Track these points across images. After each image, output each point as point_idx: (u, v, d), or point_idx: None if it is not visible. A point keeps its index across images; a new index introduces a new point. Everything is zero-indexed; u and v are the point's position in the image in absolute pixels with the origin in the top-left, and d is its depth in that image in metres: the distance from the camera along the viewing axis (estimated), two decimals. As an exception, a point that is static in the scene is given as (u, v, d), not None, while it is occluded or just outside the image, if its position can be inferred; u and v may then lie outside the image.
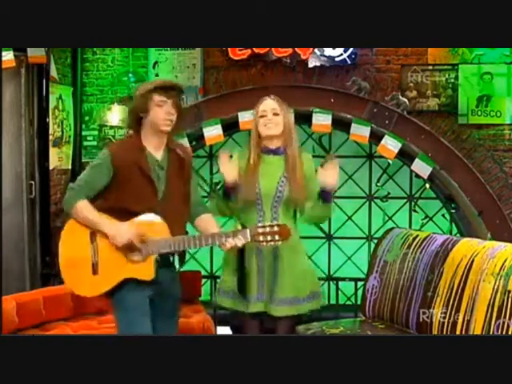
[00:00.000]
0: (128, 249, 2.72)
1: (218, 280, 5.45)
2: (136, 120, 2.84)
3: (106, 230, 2.72)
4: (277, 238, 2.74)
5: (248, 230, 2.75)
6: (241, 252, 2.96)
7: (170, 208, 2.78)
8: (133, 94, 2.94)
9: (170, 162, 2.86)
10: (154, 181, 2.79)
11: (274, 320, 3.14)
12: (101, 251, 2.76)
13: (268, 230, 2.74)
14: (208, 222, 2.93)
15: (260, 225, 2.79)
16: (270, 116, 3.15)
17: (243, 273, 3.03)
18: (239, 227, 2.82)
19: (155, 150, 2.85)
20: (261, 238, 2.73)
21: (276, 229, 2.74)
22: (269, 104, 3.18)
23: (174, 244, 2.72)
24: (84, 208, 2.76)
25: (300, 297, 3.15)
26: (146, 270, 2.73)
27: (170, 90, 2.82)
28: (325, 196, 3.06)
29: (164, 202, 2.80)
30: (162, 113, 2.78)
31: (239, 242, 2.74)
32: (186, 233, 2.89)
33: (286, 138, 3.18)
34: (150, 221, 2.75)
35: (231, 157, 3.13)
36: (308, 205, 3.16)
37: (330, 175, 3.01)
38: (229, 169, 3.04)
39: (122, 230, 2.70)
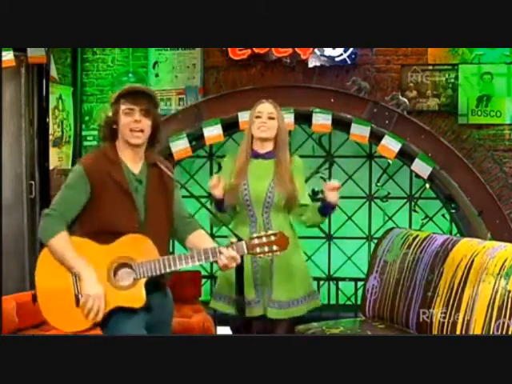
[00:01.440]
0: (113, 273, 2.49)
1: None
2: (110, 131, 2.59)
3: (86, 285, 2.44)
4: (274, 248, 2.56)
5: (244, 243, 2.55)
6: (240, 268, 2.79)
7: (151, 225, 2.54)
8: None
9: (149, 177, 2.59)
10: (132, 195, 2.53)
11: (271, 322, 3.15)
12: None
13: (265, 240, 2.56)
14: (201, 239, 2.68)
15: (255, 235, 2.61)
16: (264, 119, 3.18)
17: (241, 276, 3.00)
18: (233, 240, 2.60)
19: (131, 162, 2.58)
20: (257, 250, 2.55)
21: (273, 238, 2.56)
22: (266, 107, 3.21)
23: (165, 265, 2.48)
24: (60, 242, 2.48)
25: (297, 298, 3.16)
26: (135, 296, 2.46)
27: (139, 96, 2.53)
28: (325, 211, 3.13)
29: (145, 218, 2.55)
30: (127, 122, 2.51)
31: (234, 255, 2.51)
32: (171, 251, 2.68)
33: (278, 142, 3.19)
34: (133, 238, 2.50)
35: (220, 168, 3.15)
36: (299, 211, 3.18)
37: (334, 194, 3.07)
38: (217, 186, 3.04)
39: (99, 295, 2.43)
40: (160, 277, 2.54)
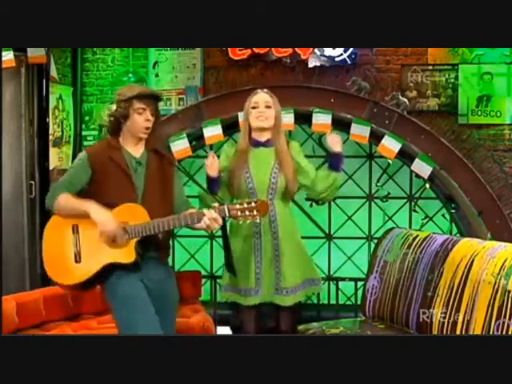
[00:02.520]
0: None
1: (218, 280, 5.49)
2: (116, 125, 2.91)
3: (94, 216, 2.75)
4: (255, 212, 2.76)
5: (225, 206, 2.79)
6: (224, 230, 3.00)
7: (150, 204, 2.82)
8: (113, 98, 2.97)
9: (149, 160, 2.92)
10: (131, 175, 2.85)
11: (277, 310, 3.19)
12: (83, 240, 2.82)
13: (246, 205, 2.77)
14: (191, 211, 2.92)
15: (239, 201, 2.83)
16: (262, 108, 3.20)
17: (229, 252, 3.08)
18: (215, 204, 2.82)
19: (133, 149, 2.92)
20: (238, 214, 2.76)
21: (253, 204, 2.77)
22: (262, 97, 3.24)
23: (154, 226, 2.75)
24: (67, 198, 2.82)
25: (299, 283, 3.21)
26: (126, 254, 2.77)
27: (149, 97, 2.89)
28: (334, 161, 3.23)
29: (144, 198, 2.85)
30: (141, 120, 2.86)
31: (216, 216, 2.75)
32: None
33: (275, 130, 3.23)
34: (129, 206, 2.80)
35: (218, 157, 3.24)
36: (313, 184, 3.23)
37: (334, 141, 3.24)
38: (212, 165, 3.13)
39: (110, 219, 2.74)
40: (156, 249, 2.86)
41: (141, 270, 2.82)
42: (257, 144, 3.24)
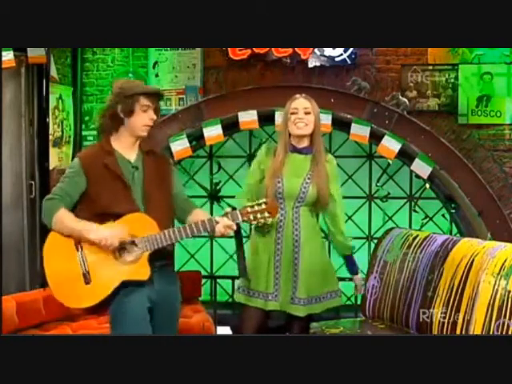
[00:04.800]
0: (118, 251, 2.64)
1: (218, 280, 5.48)
2: (112, 124, 2.76)
3: (93, 236, 2.61)
4: (266, 214, 2.72)
5: (237, 211, 2.72)
6: (239, 235, 2.94)
7: (153, 211, 2.70)
8: (113, 91, 2.82)
9: (145, 163, 2.79)
10: (128, 183, 2.71)
11: (290, 319, 3.17)
12: (89, 259, 2.65)
13: (256, 208, 2.71)
14: (200, 215, 2.81)
15: (248, 204, 2.76)
16: (301, 115, 3.14)
17: (243, 256, 3.03)
18: (228, 209, 2.76)
19: (127, 151, 2.77)
20: (251, 217, 2.72)
21: (264, 206, 2.72)
22: (301, 103, 3.17)
23: (166, 237, 2.63)
24: (64, 217, 2.66)
25: (319, 295, 3.19)
26: (141, 270, 2.62)
27: (155, 95, 2.80)
28: (349, 264, 3.36)
29: (146, 205, 2.71)
30: (144, 118, 2.74)
31: (230, 223, 2.69)
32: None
33: (315, 137, 3.17)
34: (133, 216, 2.66)
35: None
36: (332, 219, 3.28)
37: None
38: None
39: (111, 232, 2.61)
40: (164, 257, 2.72)
41: (150, 284, 2.67)
42: (295, 150, 3.19)
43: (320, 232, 3.26)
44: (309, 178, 3.13)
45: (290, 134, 3.17)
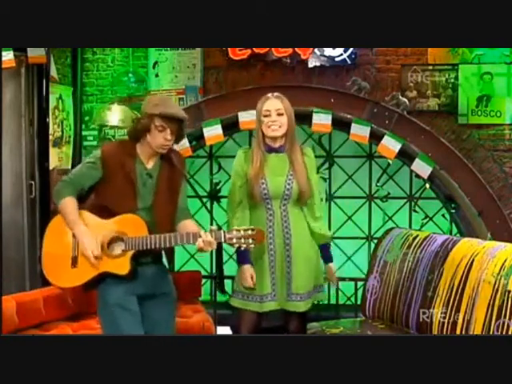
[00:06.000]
0: (107, 244, 2.80)
1: (217, 280, 5.47)
2: (138, 133, 2.88)
3: (79, 237, 2.80)
4: (250, 241, 2.75)
5: (222, 232, 2.76)
6: (218, 252, 3.00)
7: (159, 217, 2.85)
8: (143, 105, 2.93)
9: (160, 171, 2.91)
10: (137, 187, 2.85)
11: (287, 316, 3.20)
12: (81, 246, 2.83)
13: (242, 233, 2.75)
14: (188, 226, 2.90)
15: (236, 228, 2.79)
16: (274, 117, 3.15)
17: (221, 270, 3.08)
18: (213, 227, 2.82)
19: (147, 158, 2.90)
20: (234, 241, 2.75)
21: (250, 232, 2.75)
22: (273, 103, 3.17)
23: (151, 242, 2.76)
24: (68, 204, 2.84)
25: (310, 290, 3.22)
26: (121, 265, 2.78)
27: (172, 119, 2.83)
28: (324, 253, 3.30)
29: (153, 211, 2.86)
30: (160, 138, 2.83)
31: (211, 240, 2.73)
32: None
33: (289, 136, 3.19)
34: (128, 217, 2.81)
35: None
36: (311, 216, 3.24)
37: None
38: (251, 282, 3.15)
39: (89, 242, 2.77)
40: (152, 254, 2.86)
41: (135, 280, 2.82)
42: (270, 150, 3.21)
43: (309, 226, 3.27)
44: (291, 175, 3.17)
45: (263, 134, 3.19)
